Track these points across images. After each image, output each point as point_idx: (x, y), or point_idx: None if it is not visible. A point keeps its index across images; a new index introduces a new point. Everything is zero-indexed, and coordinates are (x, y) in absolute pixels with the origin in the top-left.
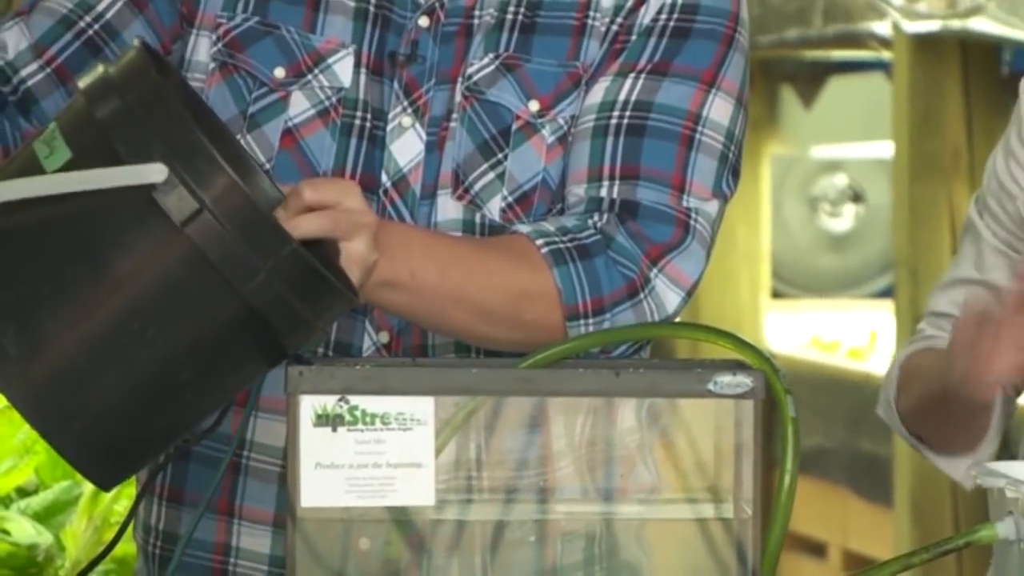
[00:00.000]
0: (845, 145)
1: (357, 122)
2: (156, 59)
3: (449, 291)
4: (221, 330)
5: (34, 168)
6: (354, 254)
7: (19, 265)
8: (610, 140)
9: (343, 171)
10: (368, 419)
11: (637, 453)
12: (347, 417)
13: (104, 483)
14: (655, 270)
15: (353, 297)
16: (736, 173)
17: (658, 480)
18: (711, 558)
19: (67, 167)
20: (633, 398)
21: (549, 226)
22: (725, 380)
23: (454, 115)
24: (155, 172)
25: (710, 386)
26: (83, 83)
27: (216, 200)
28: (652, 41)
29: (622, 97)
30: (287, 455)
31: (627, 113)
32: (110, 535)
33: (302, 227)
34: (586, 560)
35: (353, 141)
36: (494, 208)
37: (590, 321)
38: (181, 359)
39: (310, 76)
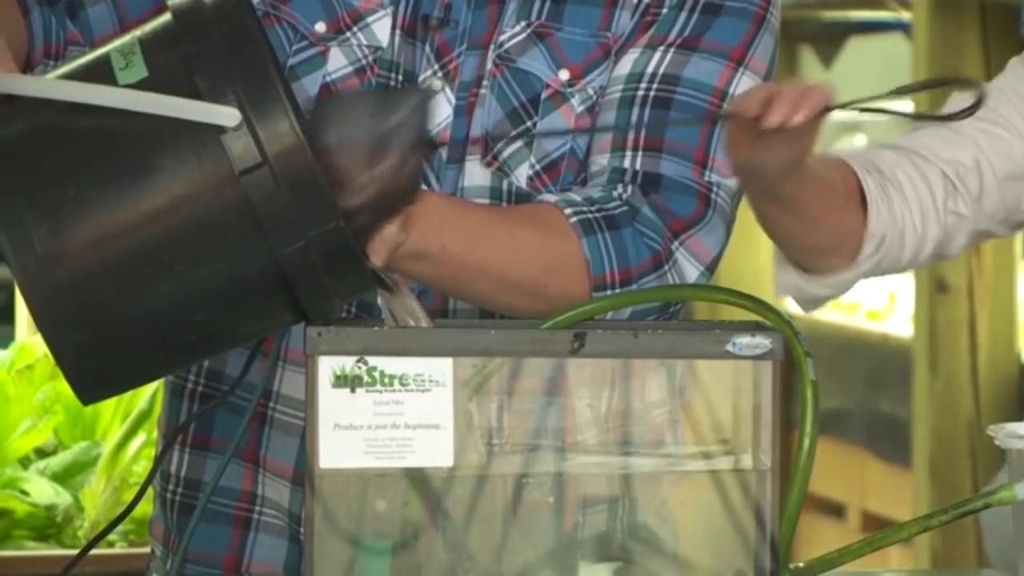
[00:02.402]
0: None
1: (391, 83)
2: None
3: (477, 264)
4: (245, 284)
5: (105, 76)
6: (385, 235)
7: (70, 167)
8: (636, 111)
9: None
10: (387, 380)
11: (657, 415)
12: (365, 378)
13: (85, 397)
14: (676, 243)
15: (376, 285)
16: None
17: (676, 442)
18: (730, 520)
19: (141, 85)
20: (653, 360)
21: (576, 196)
22: (744, 341)
23: (484, 82)
24: (229, 116)
25: (729, 347)
26: (175, 4)
27: (279, 158)
28: (683, 15)
29: (650, 69)
30: (306, 413)
31: (654, 85)
32: (129, 496)
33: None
34: (607, 527)
35: None
36: (521, 176)
37: (616, 293)
38: (198, 301)
39: (349, 34)
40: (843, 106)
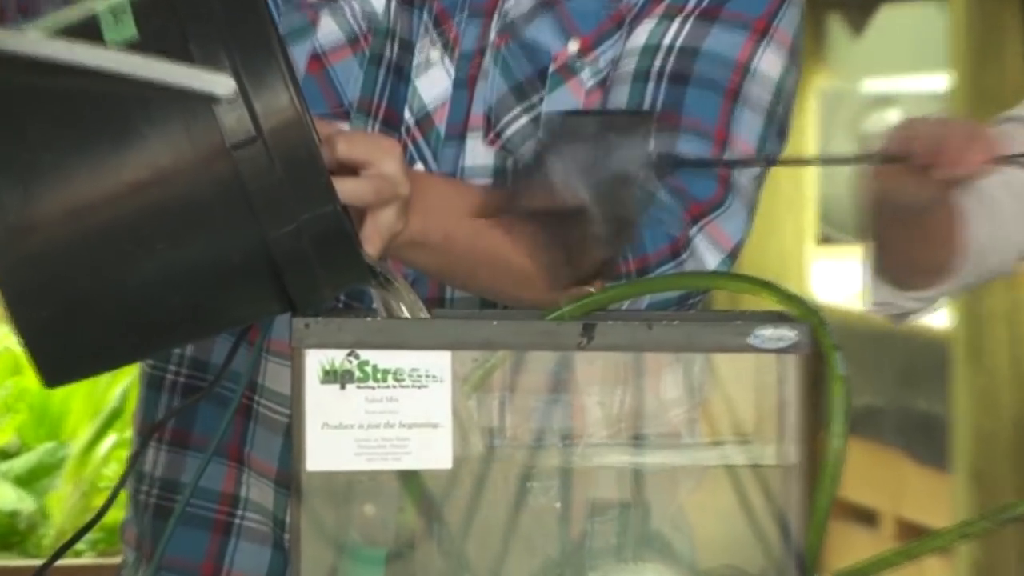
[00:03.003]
0: (897, 78)
1: (386, 53)
2: None
3: (482, 253)
4: (230, 267)
5: (91, 33)
6: (381, 223)
7: (48, 130)
8: (651, 86)
9: (369, 103)
10: (380, 375)
11: (672, 414)
12: (357, 373)
13: (48, 379)
14: (695, 229)
15: (371, 276)
16: (783, 133)
17: (694, 443)
18: (752, 529)
19: (130, 46)
20: (668, 354)
21: None
22: (767, 333)
23: (487, 53)
24: (222, 85)
25: (751, 340)
26: None
27: (275, 133)
28: None
29: (667, 41)
30: (292, 412)
31: (671, 59)
32: (99, 501)
33: (339, 191)
34: (618, 535)
35: (381, 72)
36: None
37: (628, 281)
38: (178, 282)
39: (342, 0)
40: (1012, 159)
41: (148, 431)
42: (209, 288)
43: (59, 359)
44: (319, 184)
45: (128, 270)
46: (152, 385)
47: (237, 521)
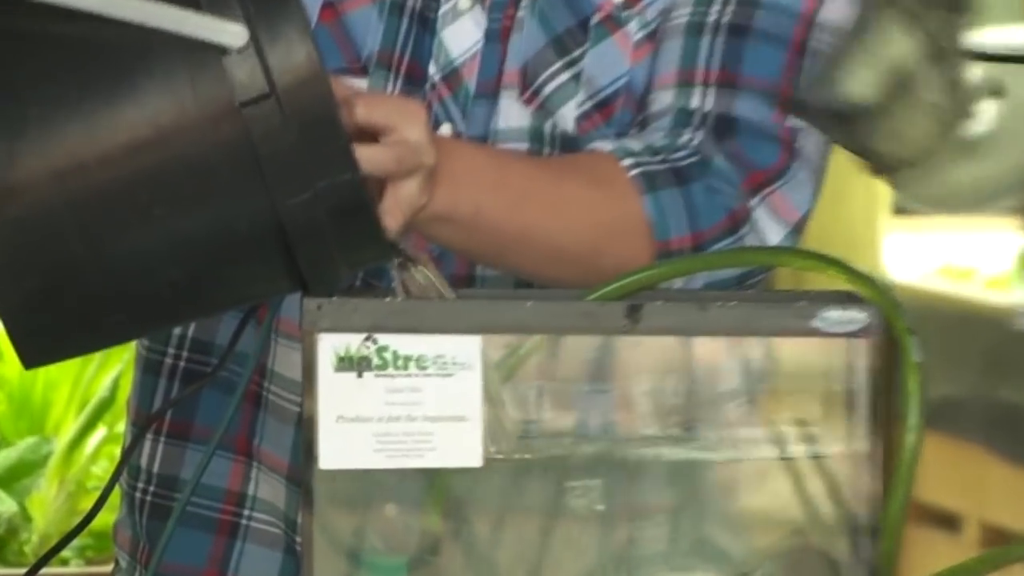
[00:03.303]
0: (980, 29)
1: (409, 0)
2: None
3: (517, 229)
4: (235, 238)
5: None
6: (403, 196)
7: (36, 80)
8: (706, 39)
9: (390, 56)
10: (401, 362)
11: (728, 406)
12: (375, 360)
13: (28, 358)
14: (756, 199)
15: (392, 253)
16: None
17: (752, 439)
18: (819, 535)
19: None
20: (724, 338)
21: (635, 144)
22: (833, 315)
23: (522, 1)
24: (233, 34)
25: (815, 323)
26: None
27: (290, 90)
28: None
29: None
30: (303, 403)
31: (729, 9)
32: (87, 503)
33: (359, 159)
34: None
35: (403, 22)
36: (567, 115)
37: (679, 259)
38: (176, 254)
39: None
40: None
41: (144, 422)
42: (211, 262)
43: (41, 336)
44: (338, 149)
45: (121, 240)
46: (148, 370)
47: (244, 522)
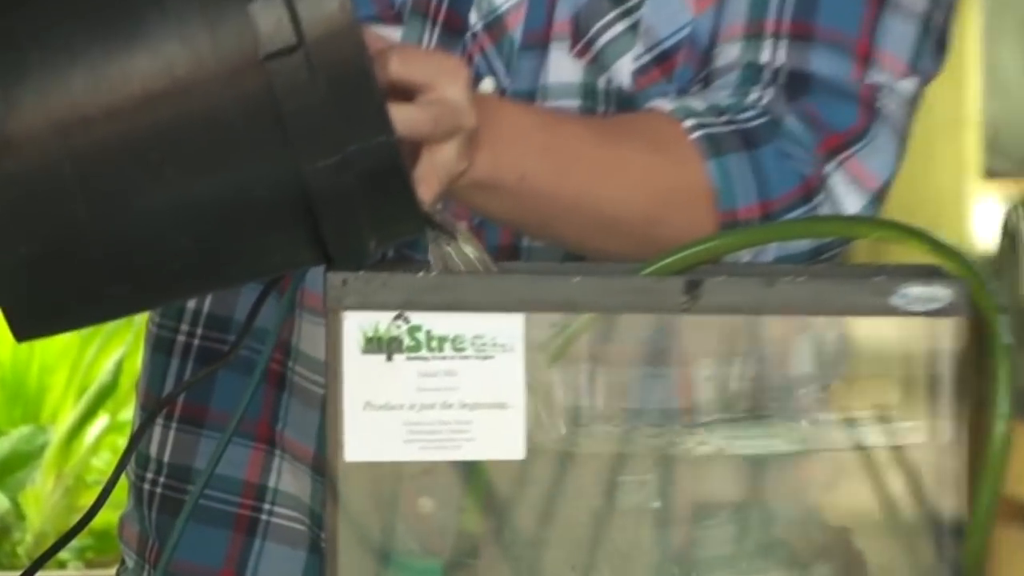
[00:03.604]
0: None
1: None
2: None
3: (568, 197)
4: (254, 204)
5: None
6: (439, 161)
7: (38, 23)
8: None
9: (426, 3)
10: (435, 343)
11: (799, 392)
12: (407, 341)
13: (21, 331)
14: (832, 165)
15: (426, 225)
16: (942, 45)
17: (825, 429)
18: (899, 534)
19: None
20: (795, 317)
21: (698, 103)
22: (915, 292)
23: None
24: None
25: (895, 300)
26: None
27: (320, 43)
28: None
29: None
30: (326, 390)
31: None
32: (87, 499)
33: (393, 119)
34: (734, 543)
35: None
36: (623, 70)
37: (743, 229)
38: (188, 219)
39: None
40: None
41: (154, 406)
42: (226, 230)
43: (36, 307)
44: (371, 108)
45: (128, 202)
46: (159, 348)
47: (264, 517)
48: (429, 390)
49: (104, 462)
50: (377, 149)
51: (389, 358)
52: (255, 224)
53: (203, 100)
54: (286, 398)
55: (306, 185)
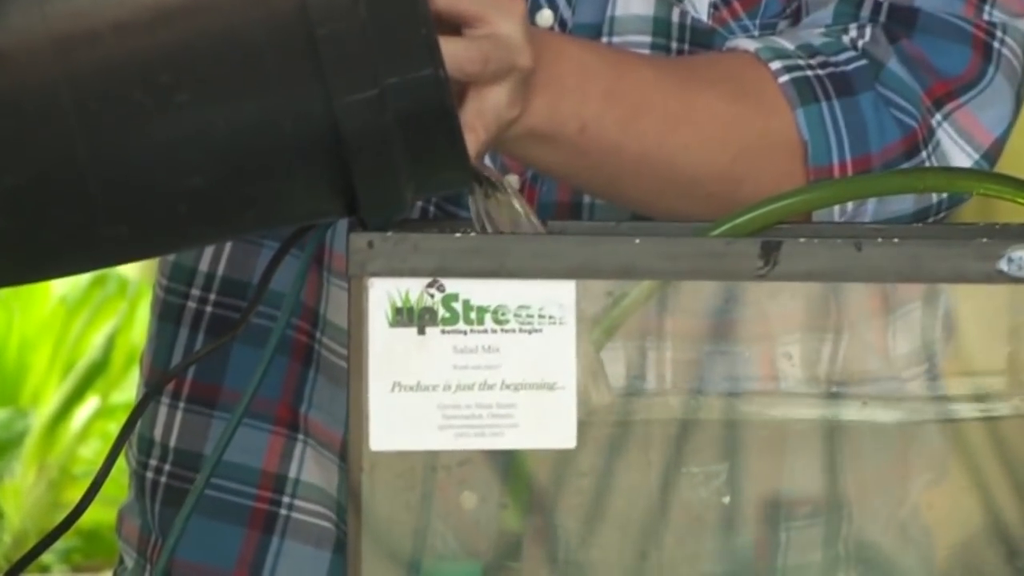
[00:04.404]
0: None
1: None
2: None
3: (635, 150)
4: (275, 141)
5: None
6: (488, 106)
7: None
8: None
9: None
10: (474, 316)
11: (895, 368)
12: (442, 312)
13: (3, 275)
14: (940, 116)
15: (469, 179)
16: None
17: (924, 413)
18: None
19: None
20: (887, 284)
21: (786, 43)
22: None
23: None
24: None
25: (1002, 265)
26: None
27: None
28: None
29: None
30: (348, 368)
31: None
32: (74, 494)
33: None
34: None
35: None
36: (700, 2)
37: (826, 182)
38: (201, 154)
39: None
40: None
41: (157, 382)
42: (242, 169)
43: (20, 247)
44: (418, 37)
45: (133, 130)
46: (167, 316)
47: (283, 511)
48: (467, 368)
49: (93, 451)
50: (421, 84)
51: (421, 331)
52: (275, 165)
53: (226, 17)
54: (312, 375)
55: (337, 121)
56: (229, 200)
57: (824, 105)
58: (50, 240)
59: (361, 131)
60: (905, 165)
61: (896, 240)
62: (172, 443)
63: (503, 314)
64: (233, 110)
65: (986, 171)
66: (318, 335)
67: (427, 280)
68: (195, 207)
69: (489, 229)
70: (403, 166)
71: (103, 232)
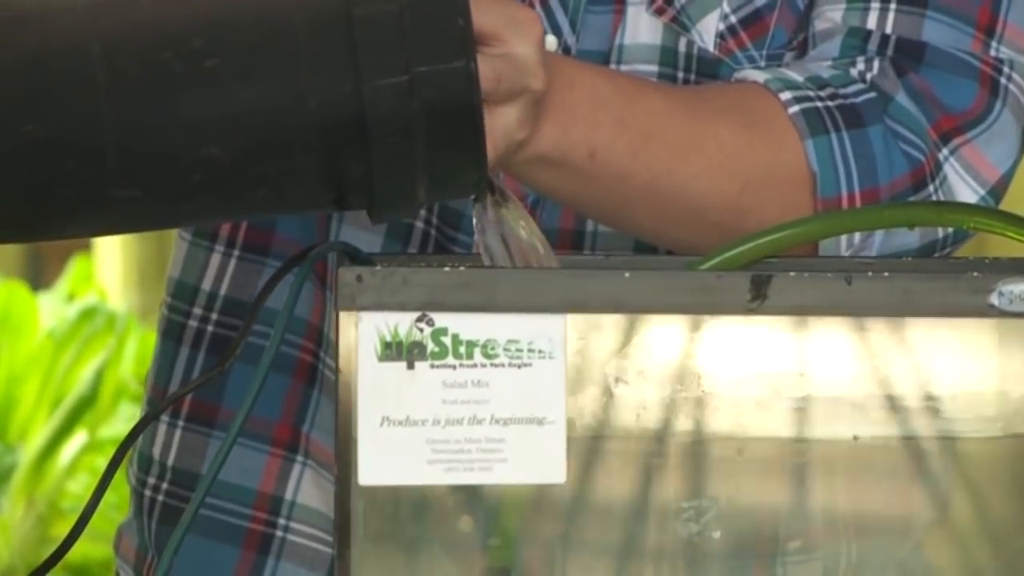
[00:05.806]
0: None
1: None
2: None
3: (643, 179)
4: (299, 118)
5: None
6: (498, 125)
7: None
8: None
9: None
10: (463, 350)
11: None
12: (431, 346)
13: (10, 229)
14: (947, 151)
15: (483, 183)
16: None
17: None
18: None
19: None
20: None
21: (795, 74)
22: (1016, 290)
23: None
24: None
25: (993, 299)
26: None
27: None
28: None
29: None
30: (337, 403)
31: None
32: (62, 529)
33: None
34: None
35: None
36: (708, 32)
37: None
38: (221, 125)
39: None
40: None
41: (147, 415)
42: (262, 144)
43: (28, 199)
44: (455, 28)
45: (158, 92)
46: (169, 334)
47: (279, 533)
48: (456, 403)
49: (81, 486)
50: (451, 75)
51: (410, 366)
52: (296, 142)
53: None
54: (316, 395)
55: (363, 104)
56: (242, 175)
57: (834, 137)
58: (65, 196)
59: (386, 116)
60: (912, 198)
61: (887, 274)
62: (170, 461)
63: (492, 348)
64: (261, 81)
65: (975, 205)
66: (322, 355)
67: (416, 314)
68: (209, 177)
69: (490, 246)
70: (422, 158)
71: (115, 193)
